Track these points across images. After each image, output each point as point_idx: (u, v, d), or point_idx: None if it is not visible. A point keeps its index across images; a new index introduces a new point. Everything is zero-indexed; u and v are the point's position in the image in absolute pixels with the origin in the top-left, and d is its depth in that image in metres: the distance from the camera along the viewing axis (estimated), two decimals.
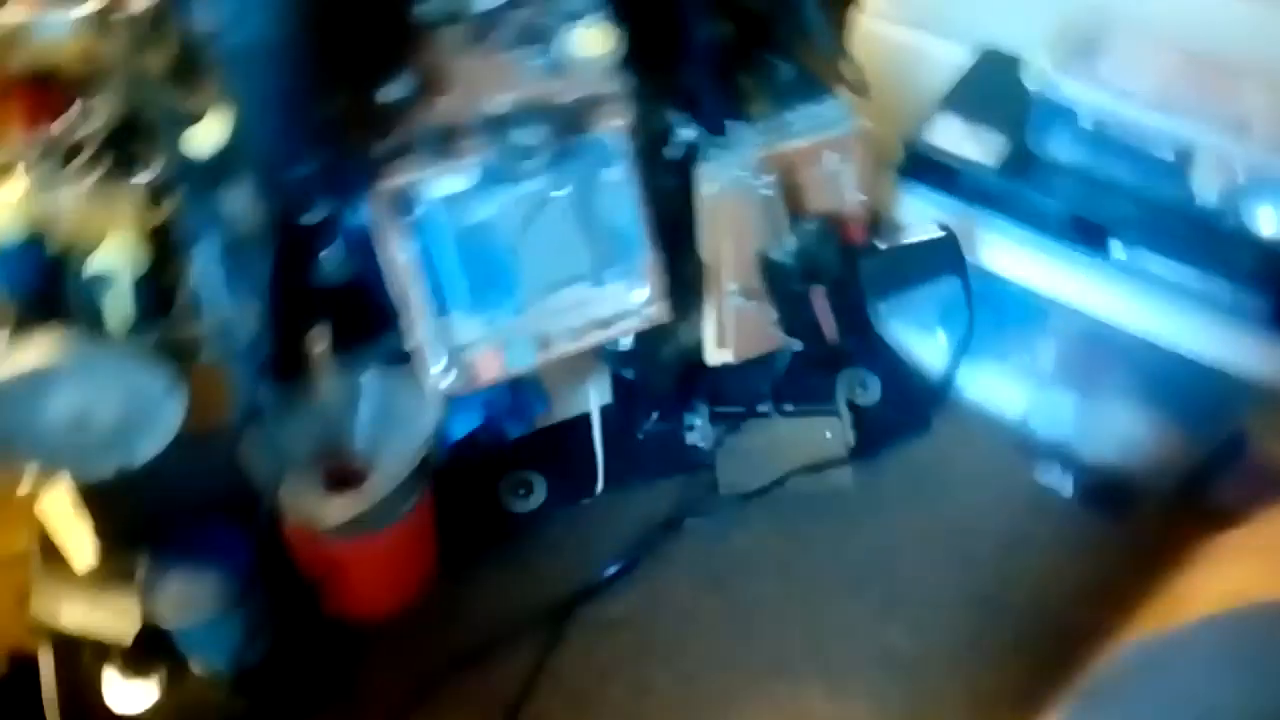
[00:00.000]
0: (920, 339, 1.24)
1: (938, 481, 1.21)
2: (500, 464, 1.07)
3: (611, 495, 1.11)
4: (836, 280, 0.91)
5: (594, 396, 0.99)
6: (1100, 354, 1.17)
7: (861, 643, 1.06)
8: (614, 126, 0.73)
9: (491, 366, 0.75)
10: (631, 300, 0.79)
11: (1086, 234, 1.04)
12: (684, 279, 0.93)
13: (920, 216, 1.10)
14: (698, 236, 0.90)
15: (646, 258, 0.78)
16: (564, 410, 1.06)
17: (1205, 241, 1.00)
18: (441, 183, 0.69)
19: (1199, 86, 1.05)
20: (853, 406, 1.18)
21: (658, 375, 0.99)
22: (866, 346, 1.04)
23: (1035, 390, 1.25)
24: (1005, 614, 1.09)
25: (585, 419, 1.07)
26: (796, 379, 1.12)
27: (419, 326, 0.73)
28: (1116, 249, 1.03)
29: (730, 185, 0.85)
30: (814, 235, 0.89)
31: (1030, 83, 1.03)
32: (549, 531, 1.10)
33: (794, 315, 0.93)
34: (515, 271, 0.74)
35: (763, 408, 1.14)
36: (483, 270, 0.73)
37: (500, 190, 0.71)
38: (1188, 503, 1.19)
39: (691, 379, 1.08)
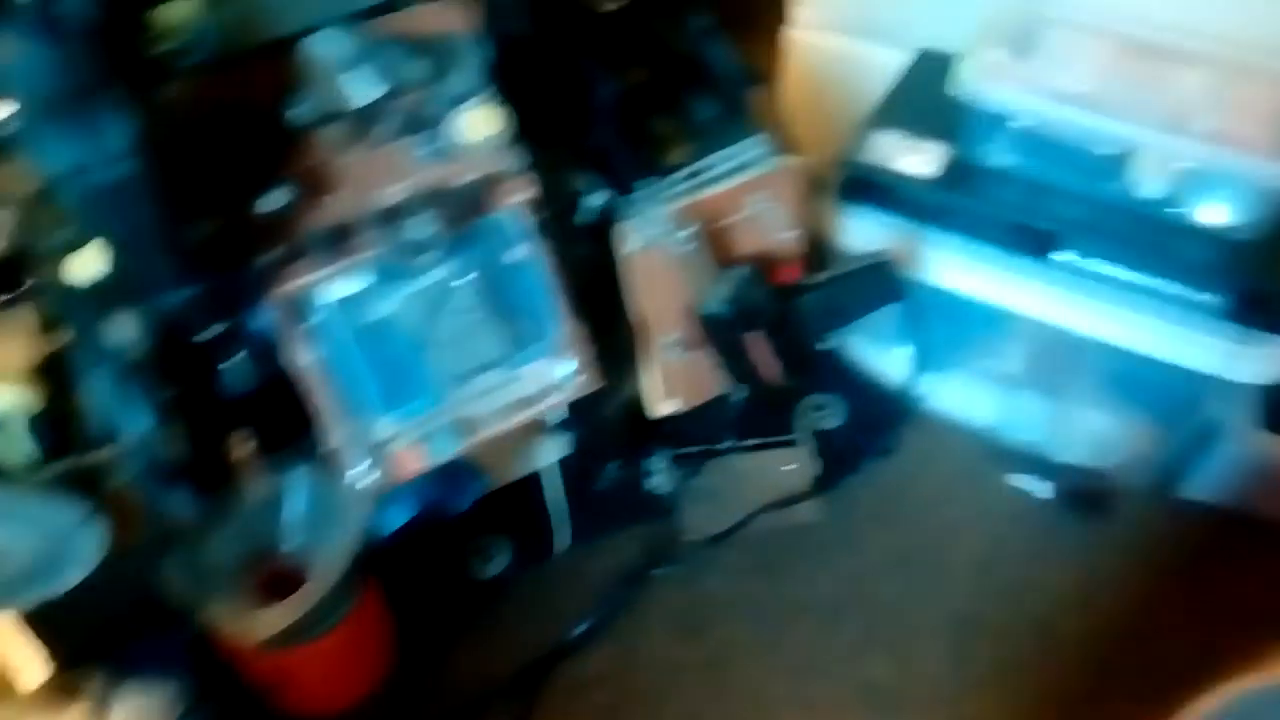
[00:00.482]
0: (882, 355, 1.21)
1: (909, 500, 1.18)
2: (460, 530, 1.05)
3: (577, 551, 1.09)
4: (774, 323, 0.89)
5: (549, 453, 0.97)
6: (1066, 355, 1.15)
7: (842, 679, 1.04)
8: (513, 205, 0.70)
9: (413, 461, 0.73)
10: (556, 374, 0.77)
11: (1032, 241, 1.01)
12: (619, 336, 0.91)
13: (863, 238, 1.07)
14: (626, 295, 0.87)
15: (566, 331, 0.76)
16: (520, 469, 1.04)
17: (1152, 238, 0.97)
18: (337, 284, 0.67)
19: (1136, 77, 1.02)
20: (817, 433, 1.15)
21: (605, 433, 0.97)
22: (813, 384, 1.02)
23: (1003, 396, 1.23)
24: (987, 632, 1.07)
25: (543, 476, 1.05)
26: (757, 411, 1.10)
27: (333, 429, 0.71)
28: (1063, 254, 1.00)
29: (650, 242, 0.83)
30: (745, 281, 0.86)
31: (962, 89, 1.00)
32: (516, 594, 1.08)
33: (735, 363, 0.90)
34: (426, 365, 0.72)
35: (724, 445, 1.11)
36: (391, 367, 0.70)
37: (400, 285, 0.68)
38: (1164, 497, 1.17)
39: (649, 425, 1.06)
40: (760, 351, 0.89)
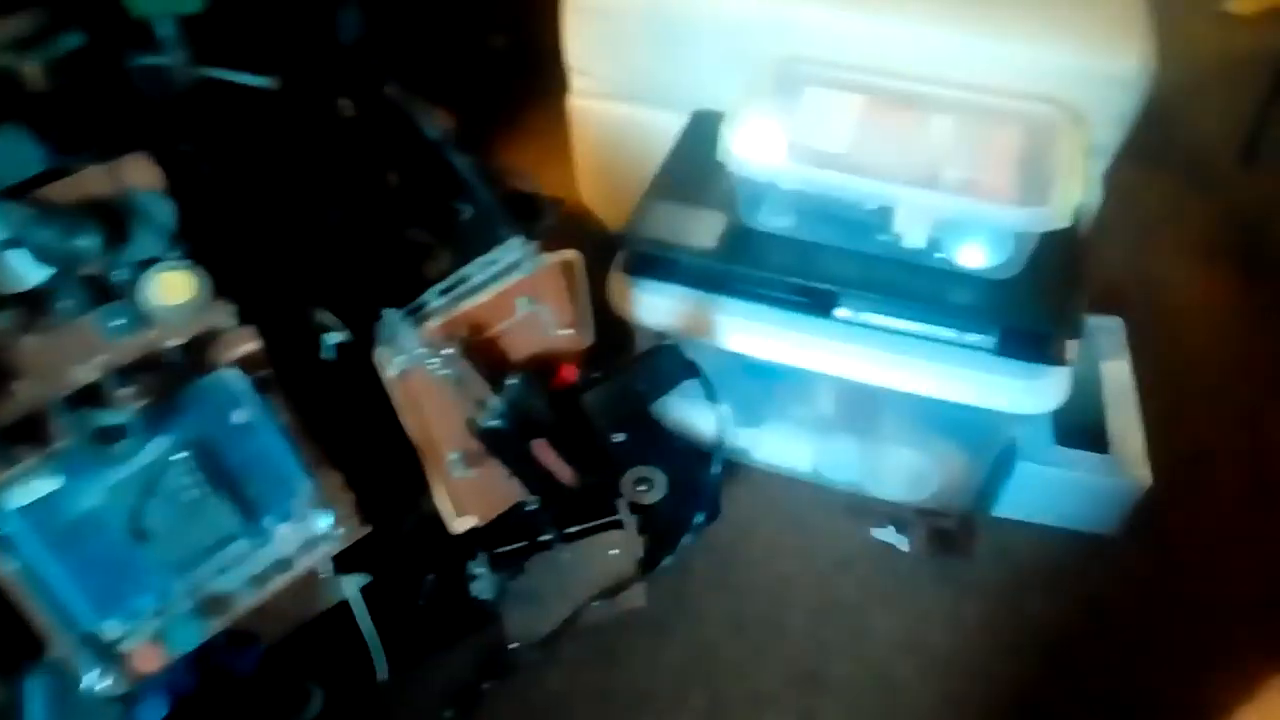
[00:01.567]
0: (700, 417, 1.21)
1: (741, 561, 1.18)
2: (262, 678, 0.97)
3: (401, 677, 1.03)
4: (557, 427, 0.86)
5: (344, 590, 0.90)
6: (870, 398, 1.17)
7: None
8: (231, 364, 0.65)
9: (151, 657, 0.66)
10: (313, 530, 0.71)
11: (812, 301, 1.03)
12: (404, 457, 0.86)
13: (654, 312, 1.07)
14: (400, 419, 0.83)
15: (316, 483, 0.71)
16: (309, 614, 0.96)
17: (921, 287, 1.00)
18: (25, 486, 0.60)
19: (889, 130, 1.05)
20: (641, 509, 1.13)
21: (409, 552, 0.92)
22: (612, 481, 1.00)
23: (819, 441, 1.24)
24: (829, 688, 1.07)
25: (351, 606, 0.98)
26: (573, 499, 1.06)
27: (53, 637, 0.63)
28: (843, 311, 1.02)
29: (410, 365, 0.78)
30: (519, 390, 0.83)
31: (727, 157, 1.00)
32: None
33: (525, 472, 0.87)
34: (146, 556, 0.65)
35: (546, 536, 1.07)
36: (103, 566, 0.63)
37: (101, 474, 0.62)
38: (980, 520, 1.21)
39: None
40: (549, 456, 0.86)
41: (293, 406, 0.70)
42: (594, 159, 1.37)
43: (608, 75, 1.28)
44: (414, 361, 0.78)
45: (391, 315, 0.76)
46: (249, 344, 0.66)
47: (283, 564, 0.70)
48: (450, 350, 0.79)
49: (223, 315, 0.65)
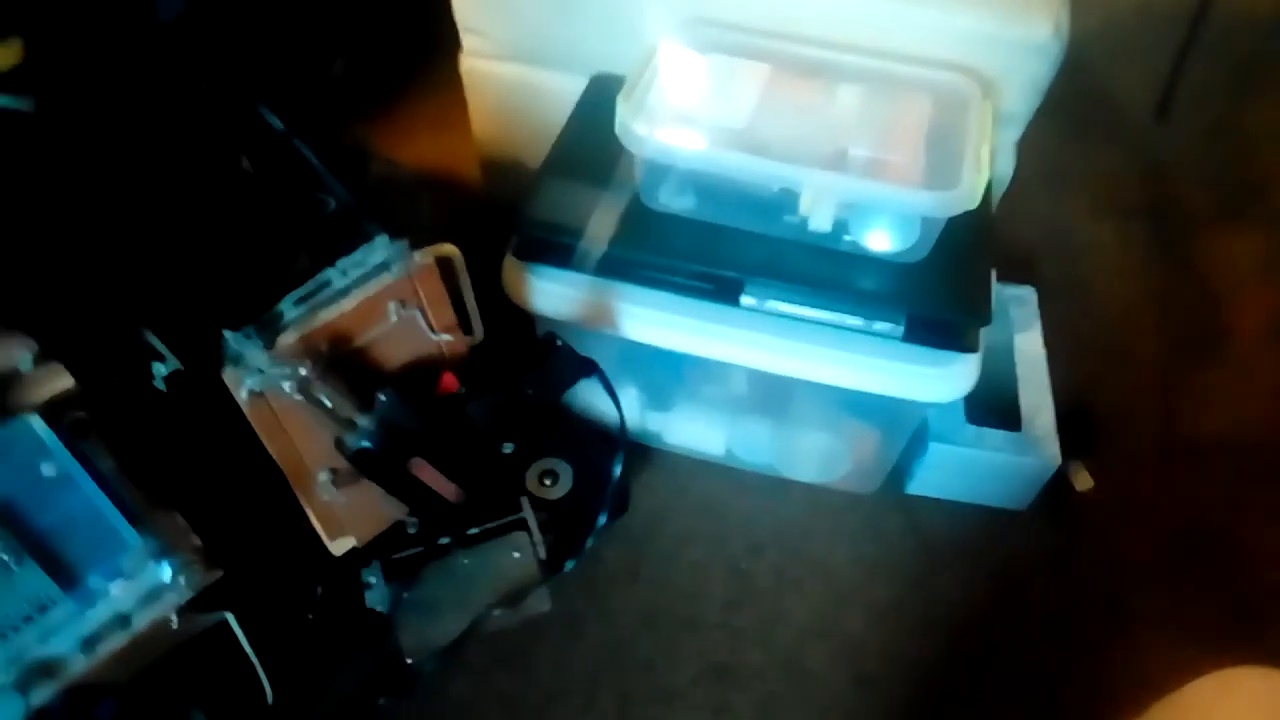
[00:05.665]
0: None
1: (652, 551, 1.14)
2: (136, 709, 0.90)
3: (289, 696, 0.97)
4: (438, 442, 0.79)
5: (208, 619, 0.83)
6: (782, 380, 1.12)
7: None
8: (35, 408, 0.56)
9: None
10: (152, 582, 0.64)
11: (717, 287, 0.97)
12: (274, 483, 0.79)
13: (549, 300, 1.00)
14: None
15: (151, 533, 0.63)
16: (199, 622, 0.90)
17: (828, 273, 0.95)
18: None
19: (792, 105, 0.98)
20: (545, 504, 1.08)
21: (286, 570, 0.85)
22: (506, 493, 0.94)
23: (732, 423, 1.20)
24: (741, 679, 1.05)
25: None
26: (471, 500, 1.00)
27: None
28: (748, 299, 0.96)
29: (263, 386, 0.71)
30: (390, 406, 0.76)
31: (623, 134, 0.93)
32: None
33: (403, 492, 0.81)
34: None
35: (443, 540, 1.02)
36: None
37: None
38: (894, 500, 1.19)
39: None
40: (429, 474, 0.80)
41: (122, 449, 0.62)
42: (491, 128, 1.28)
43: (499, 34, 1.18)
44: (266, 382, 0.70)
45: (232, 335, 0.68)
46: (58, 383, 0.58)
47: (120, 621, 0.63)
48: (305, 369, 0.71)
49: (19, 354, 0.56)
